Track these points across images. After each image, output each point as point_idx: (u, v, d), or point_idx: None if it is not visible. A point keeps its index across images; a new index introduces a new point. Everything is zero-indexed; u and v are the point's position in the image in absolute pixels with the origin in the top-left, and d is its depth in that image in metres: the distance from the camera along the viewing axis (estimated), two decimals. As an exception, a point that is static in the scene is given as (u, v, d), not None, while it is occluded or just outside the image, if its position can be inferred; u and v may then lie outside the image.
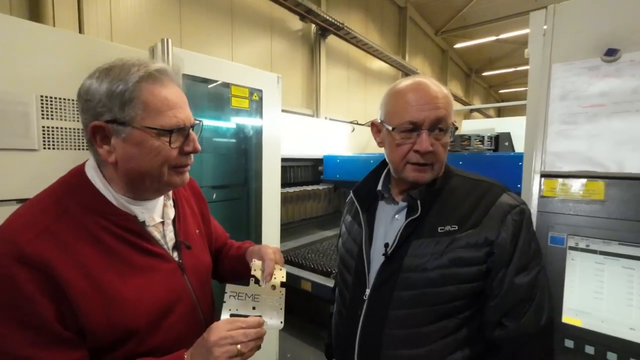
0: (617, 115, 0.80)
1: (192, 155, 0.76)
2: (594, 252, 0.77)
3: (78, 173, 0.72)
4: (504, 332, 0.77)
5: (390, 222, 0.89)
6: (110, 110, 0.66)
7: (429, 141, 0.81)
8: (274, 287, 0.79)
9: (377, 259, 0.86)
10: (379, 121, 0.91)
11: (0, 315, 0.59)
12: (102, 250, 0.67)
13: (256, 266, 0.81)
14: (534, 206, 0.86)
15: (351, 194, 0.99)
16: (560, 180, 0.84)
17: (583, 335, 0.75)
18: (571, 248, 0.80)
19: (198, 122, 0.76)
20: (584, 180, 0.81)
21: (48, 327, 0.60)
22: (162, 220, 0.80)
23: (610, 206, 0.77)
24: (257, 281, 0.78)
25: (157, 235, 0.78)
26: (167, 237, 0.80)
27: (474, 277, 0.78)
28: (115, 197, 0.71)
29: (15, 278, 0.58)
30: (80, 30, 3.91)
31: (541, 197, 0.86)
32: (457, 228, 0.80)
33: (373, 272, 0.85)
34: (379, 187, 0.95)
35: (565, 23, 0.94)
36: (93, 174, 0.71)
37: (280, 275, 0.82)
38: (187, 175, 0.78)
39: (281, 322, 0.76)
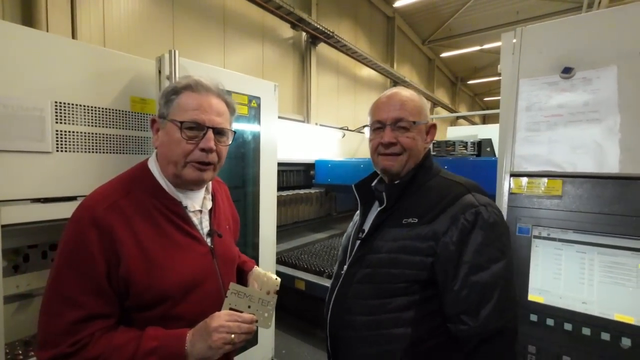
0: (572, 124, 0.94)
1: (212, 155, 0.86)
2: (554, 239, 0.90)
3: (142, 165, 0.90)
4: (465, 327, 0.82)
5: (375, 213, 1.03)
6: (161, 107, 0.86)
7: (392, 134, 0.95)
8: (268, 292, 0.90)
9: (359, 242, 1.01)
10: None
11: (68, 263, 0.75)
12: (153, 225, 0.82)
13: (256, 272, 0.95)
14: (504, 201, 0.99)
15: (353, 187, 1.11)
16: (526, 179, 0.98)
17: (545, 310, 0.88)
18: (535, 237, 0.93)
19: (229, 130, 0.90)
20: (545, 179, 0.95)
21: (97, 280, 0.74)
22: (200, 209, 0.94)
23: (566, 200, 0.91)
24: (254, 285, 0.90)
25: (195, 221, 0.91)
26: (203, 224, 0.94)
27: (417, 265, 0.87)
28: (167, 185, 0.87)
29: (87, 236, 0.74)
30: (73, 36, 3.94)
31: (510, 193, 0.99)
32: (417, 221, 0.90)
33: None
34: (373, 184, 1.08)
35: (531, 44, 1.08)
36: (153, 165, 0.89)
37: (275, 283, 0.94)
38: (206, 175, 0.87)
39: (269, 324, 0.86)
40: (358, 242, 1.00)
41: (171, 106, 0.85)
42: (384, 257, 0.92)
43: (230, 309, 0.83)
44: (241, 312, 0.83)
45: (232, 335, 0.76)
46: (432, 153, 2.66)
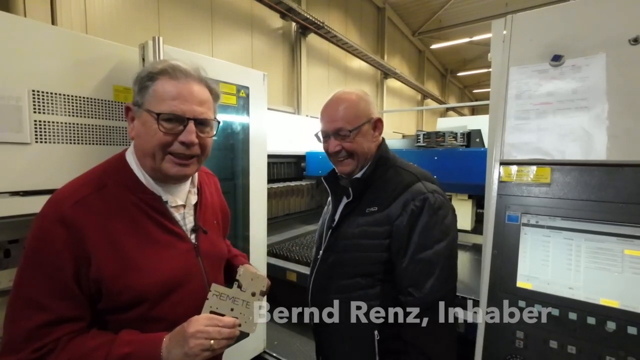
0: (561, 111, 0.94)
1: (194, 148, 0.80)
2: (542, 227, 0.91)
3: (119, 156, 0.84)
4: (411, 298, 0.95)
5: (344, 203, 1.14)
6: (135, 94, 0.79)
7: (335, 143, 1.06)
8: (254, 294, 0.83)
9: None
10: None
11: (32, 263, 0.69)
12: (129, 222, 0.76)
13: (241, 271, 0.85)
14: (494, 190, 1.00)
15: (322, 179, 1.22)
16: (515, 167, 0.98)
17: (533, 296, 0.89)
18: (524, 224, 0.94)
19: (212, 120, 0.84)
20: (534, 167, 0.95)
21: (64, 281, 0.69)
22: (183, 204, 0.88)
23: (555, 188, 0.92)
24: (239, 285, 0.83)
25: (177, 216, 0.86)
26: (187, 219, 0.88)
27: (377, 248, 1.00)
28: (145, 178, 0.81)
29: (52, 234, 0.69)
30: (53, 22, 3.79)
31: (500, 182, 0.99)
32: (377, 209, 1.01)
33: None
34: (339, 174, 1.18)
35: (521, 31, 1.07)
36: (131, 157, 0.82)
37: (262, 284, 0.86)
38: (188, 169, 0.82)
39: (254, 328, 0.80)
40: (330, 230, 1.12)
41: (146, 94, 0.77)
42: (349, 243, 1.04)
43: (212, 312, 0.77)
44: (223, 315, 0.77)
45: (212, 342, 0.71)
46: (422, 144, 2.67)
